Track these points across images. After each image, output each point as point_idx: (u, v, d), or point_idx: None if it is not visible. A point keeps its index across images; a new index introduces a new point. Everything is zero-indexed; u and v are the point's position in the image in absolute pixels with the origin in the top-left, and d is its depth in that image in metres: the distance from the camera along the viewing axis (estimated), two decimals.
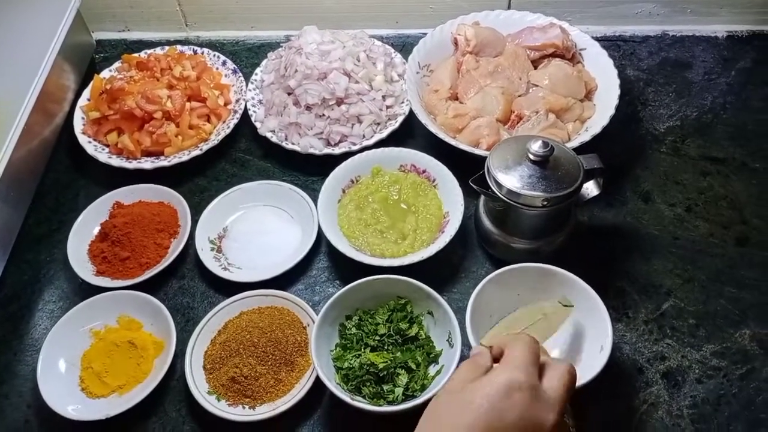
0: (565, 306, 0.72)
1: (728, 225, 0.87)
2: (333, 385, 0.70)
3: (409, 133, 0.98)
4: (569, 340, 0.74)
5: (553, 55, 0.98)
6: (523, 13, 1.02)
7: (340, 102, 0.96)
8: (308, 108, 0.96)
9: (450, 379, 0.55)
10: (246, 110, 1.01)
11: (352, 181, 0.91)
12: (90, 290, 0.84)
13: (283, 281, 0.84)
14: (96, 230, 0.90)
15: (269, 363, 0.76)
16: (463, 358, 0.71)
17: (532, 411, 0.50)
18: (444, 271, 0.85)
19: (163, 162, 0.95)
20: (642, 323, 0.79)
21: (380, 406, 0.70)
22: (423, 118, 0.91)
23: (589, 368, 0.68)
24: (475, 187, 0.78)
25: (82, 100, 1.03)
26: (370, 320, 0.76)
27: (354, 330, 0.76)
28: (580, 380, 0.66)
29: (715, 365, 0.76)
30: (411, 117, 0.95)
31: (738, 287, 0.82)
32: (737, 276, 0.83)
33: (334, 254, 0.86)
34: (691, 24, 1.11)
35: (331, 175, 0.90)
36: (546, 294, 0.75)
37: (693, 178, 0.92)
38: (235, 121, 1.00)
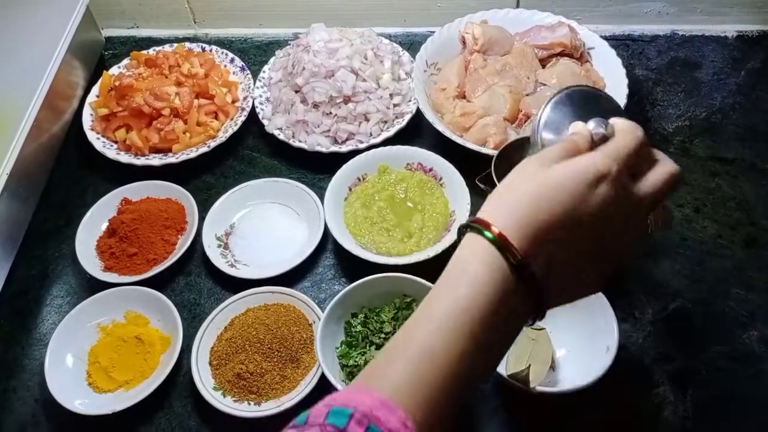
0: (539, 329, 0.72)
1: (736, 226, 0.87)
2: (338, 382, 0.70)
3: (417, 131, 0.98)
4: (575, 340, 0.74)
5: (561, 54, 0.97)
6: (531, 11, 1.02)
7: (347, 100, 0.96)
8: (315, 106, 0.96)
9: (540, 155, 0.49)
10: (253, 108, 1.01)
11: (359, 179, 0.92)
12: (98, 285, 0.85)
13: (289, 278, 0.84)
14: (104, 226, 0.91)
15: (275, 360, 0.76)
16: None
17: (616, 206, 0.46)
18: None
19: (171, 159, 0.96)
20: (649, 324, 0.79)
21: None
22: (430, 116, 0.91)
23: (595, 369, 0.68)
24: (481, 185, 0.78)
25: (91, 97, 1.04)
26: (375, 318, 0.76)
27: (359, 328, 0.76)
28: (586, 381, 0.67)
29: (722, 366, 0.75)
30: (418, 115, 0.95)
31: (746, 289, 0.81)
32: (745, 277, 0.82)
33: (341, 252, 0.86)
34: (701, 23, 1.10)
35: (338, 173, 0.90)
36: None
37: (701, 178, 0.92)
38: (243, 118, 1.00)
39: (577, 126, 0.51)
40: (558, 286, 0.47)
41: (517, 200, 0.45)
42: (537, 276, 0.44)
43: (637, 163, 0.49)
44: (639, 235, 0.50)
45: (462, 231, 0.47)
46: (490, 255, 0.44)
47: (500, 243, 0.44)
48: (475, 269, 0.44)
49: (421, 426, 0.41)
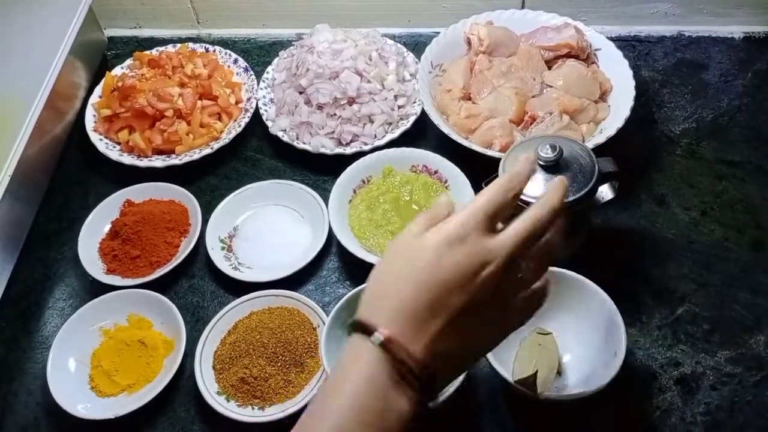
0: (545, 334, 0.72)
1: (743, 229, 0.86)
2: None
3: (421, 133, 0.98)
4: (582, 345, 0.74)
5: (568, 56, 0.97)
6: (537, 12, 1.01)
7: (351, 101, 0.96)
8: (320, 107, 0.96)
9: (406, 229, 0.53)
10: (257, 109, 1.01)
11: (363, 182, 0.91)
12: (100, 288, 0.84)
13: (293, 281, 0.84)
14: (107, 228, 0.90)
15: (279, 364, 0.76)
16: None
17: (469, 260, 0.48)
18: None
19: (174, 160, 0.95)
20: (656, 328, 0.79)
21: None
22: (435, 118, 0.90)
23: (602, 374, 0.67)
24: None
25: (94, 98, 1.03)
26: None
27: None
28: (593, 386, 0.66)
29: (729, 372, 0.75)
30: (423, 117, 0.95)
31: (753, 293, 0.81)
32: (752, 281, 0.82)
33: (345, 255, 0.86)
34: (708, 24, 1.09)
35: (342, 175, 0.90)
36: (557, 298, 0.74)
37: (708, 181, 0.91)
38: (247, 119, 0.99)
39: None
40: (446, 361, 0.49)
41: (396, 293, 0.48)
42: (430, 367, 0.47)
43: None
44: (520, 287, 0.52)
45: (349, 332, 0.49)
46: (378, 359, 0.46)
47: (389, 347, 0.46)
48: (368, 372, 0.46)
49: None
